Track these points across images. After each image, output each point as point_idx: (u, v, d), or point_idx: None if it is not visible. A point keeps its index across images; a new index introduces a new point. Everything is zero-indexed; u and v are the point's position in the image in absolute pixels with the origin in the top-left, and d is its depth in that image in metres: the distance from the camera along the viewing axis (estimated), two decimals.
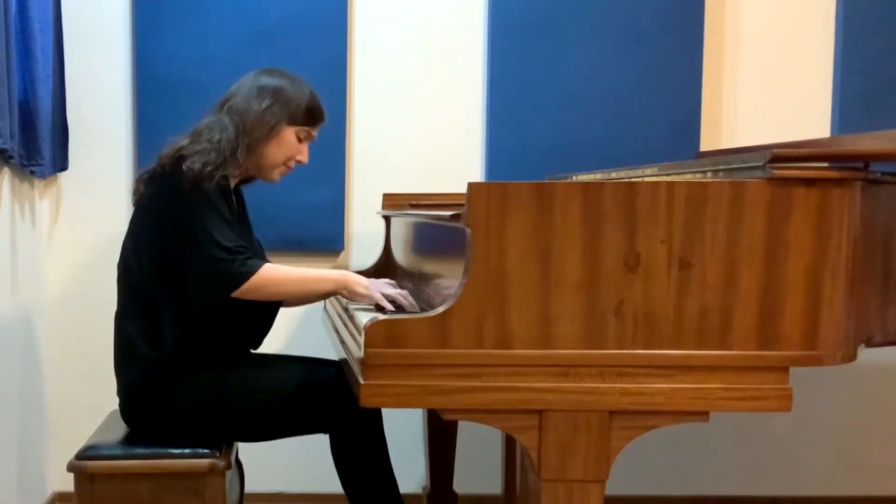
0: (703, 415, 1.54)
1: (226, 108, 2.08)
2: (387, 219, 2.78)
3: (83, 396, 2.90)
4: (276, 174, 2.14)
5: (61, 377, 2.96)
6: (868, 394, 3.09)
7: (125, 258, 2.07)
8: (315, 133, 2.15)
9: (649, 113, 2.96)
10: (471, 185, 1.51)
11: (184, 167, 1.94)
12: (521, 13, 2.95)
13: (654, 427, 1.54)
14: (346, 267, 2.99)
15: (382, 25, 3.00)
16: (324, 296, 2.12)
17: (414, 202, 2.68)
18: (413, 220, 2.35)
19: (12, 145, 2.44)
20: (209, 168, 1.95)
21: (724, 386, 1.51)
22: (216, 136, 2.01)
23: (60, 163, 2.85)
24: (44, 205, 2.92)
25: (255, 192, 2.58)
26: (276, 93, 2.06)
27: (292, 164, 2.13)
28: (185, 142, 2.01)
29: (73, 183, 2.95)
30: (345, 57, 2.96)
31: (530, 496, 1.61)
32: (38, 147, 2.65)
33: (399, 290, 2.01)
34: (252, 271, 1.92)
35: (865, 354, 1.69)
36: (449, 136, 3.01)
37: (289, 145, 2.09)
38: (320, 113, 2.13)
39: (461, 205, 1.52)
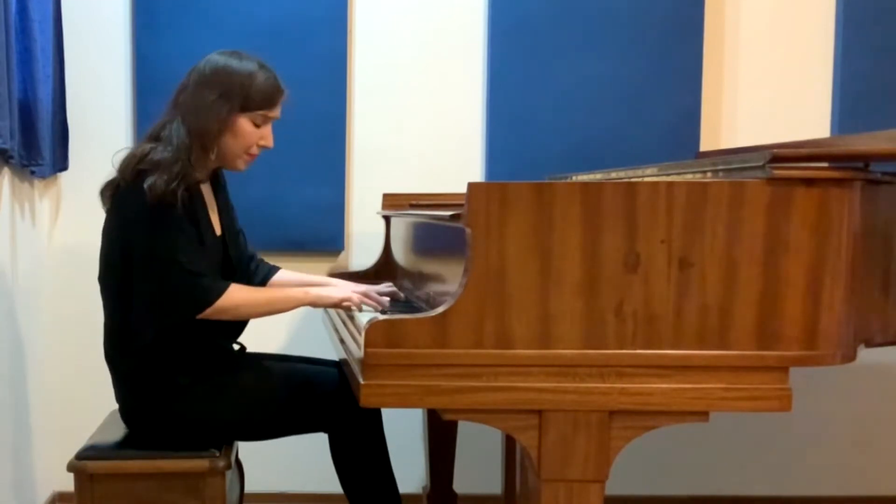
0: (703, 415, 1.54)
1: (178, 104, 1.98)
2: (387, 219, 2.78)
3: (83, 396, 2.89)
4: (240, 164, 2.03)
5: (61, 377, 2.96)
6: (868, 394, 3.09)
7: (103, 273, 2.02)
8: (275, 113, 2.01)
9: (649, 113, 2.96)
10: (471, 185, 1.51)
11: (145, 186, 1.84)
12: (521, 13, 2.95)
13: (653, 427, 1.54)
14: (345, 267, 2.99)
15: (382, 25, 3.00)
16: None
17: (414, 202, 2.68)
18: (413, 220, 2.35)
19: (12, 145, 2.44)
20: (173, 185, 1.84)
21: (724, 386, 1.51)
22: (174, 141, 1.92)
23: (60, 163, 2.85)
24: (44, 205, 2.92)
25: (255, 192, 2.58)
26: (224, 81, 1.94)
27: (255, 150, 2.02)
28: (144, 150, 1.92)
29: (73, 183, 2.95)
30: (345, 56, 2.96)
31: (530, 496, 1.61)
32: (38, 147, 2.65)
33: (373, 287, 2.03)
34: (217, 295, 1.88)
35: (865, 354, 1.69)
36: (449, 136, 3.01)
37: (246, 134, 1.98)
38: (275, 93, 1.99)
39: (461, 205, 1.52)
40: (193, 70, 2.00)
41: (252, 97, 1.96)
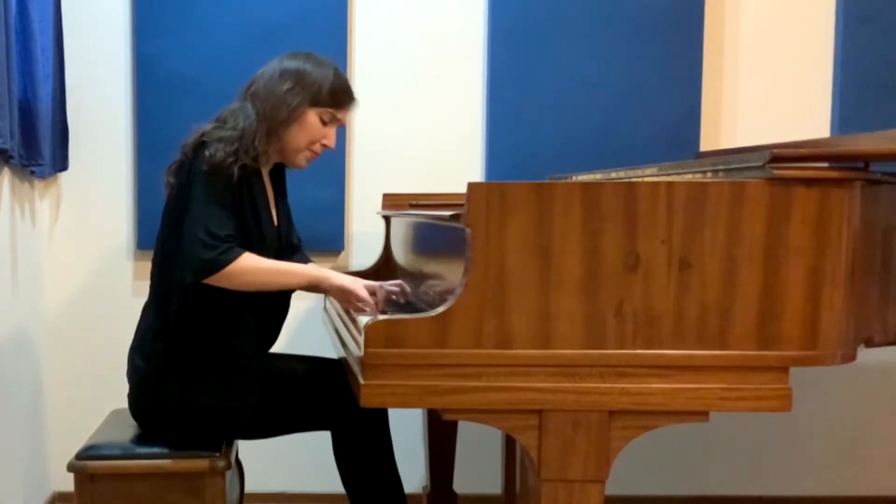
0: (703, 415, 1.54)
1: (249, 93, 2.04)
2: (387, 219, 2.78)
3: (83, 396, 2.90)
4: (300, 159, 2.08)
5: (62, 377, 2.96)
6: (868, 394, 3.09)
7: (156, 249, 2.07)
8: (342, 117, 2.09)
9: (649, 113, 2.96)
10: (471, 185, 1.51)
11: (206, 153, 1.91)
12: (521, 14, 2.95)
13: (653, 427, 1.54)
14: (345, 267, 2.99)
15: (382, 25, 3.00)
16: (299, 287, 2.05)
17: (414, 202, 2.68)
18: (413, 220, 2.35)
19: (12, 145, 2.45)
20: (230, 160, 1.91)
21: (724, 386, 1.51)
22: (240, 124, 1.98)
23: (60, 163, 2.85)
24: (44, 205, 2.92)
25: None
26: (299, 74, 2.02)
27: (318, 148, 2.08)
28: (207, 127, 1.99)
29: (73, 183, 2.95)
30: (345, 57, 2.95)
31: (530, 496, 1.61)
32: (38, 147, 2.65)
33: (384, 284, 2.02)
34: (229, 260, 1.87)
35: (865, 354, 1.69)
36: (449, 136, 3.01)
37: (312, 128, 2.04)
38: (346, 94, 2.07)
39: (461, 205, 1.52)
40: (269, 65, 2.07)
41: (324, 93, 2.03)
